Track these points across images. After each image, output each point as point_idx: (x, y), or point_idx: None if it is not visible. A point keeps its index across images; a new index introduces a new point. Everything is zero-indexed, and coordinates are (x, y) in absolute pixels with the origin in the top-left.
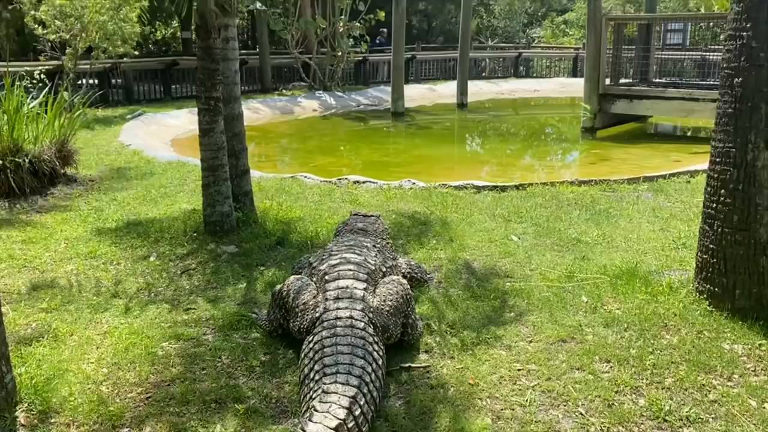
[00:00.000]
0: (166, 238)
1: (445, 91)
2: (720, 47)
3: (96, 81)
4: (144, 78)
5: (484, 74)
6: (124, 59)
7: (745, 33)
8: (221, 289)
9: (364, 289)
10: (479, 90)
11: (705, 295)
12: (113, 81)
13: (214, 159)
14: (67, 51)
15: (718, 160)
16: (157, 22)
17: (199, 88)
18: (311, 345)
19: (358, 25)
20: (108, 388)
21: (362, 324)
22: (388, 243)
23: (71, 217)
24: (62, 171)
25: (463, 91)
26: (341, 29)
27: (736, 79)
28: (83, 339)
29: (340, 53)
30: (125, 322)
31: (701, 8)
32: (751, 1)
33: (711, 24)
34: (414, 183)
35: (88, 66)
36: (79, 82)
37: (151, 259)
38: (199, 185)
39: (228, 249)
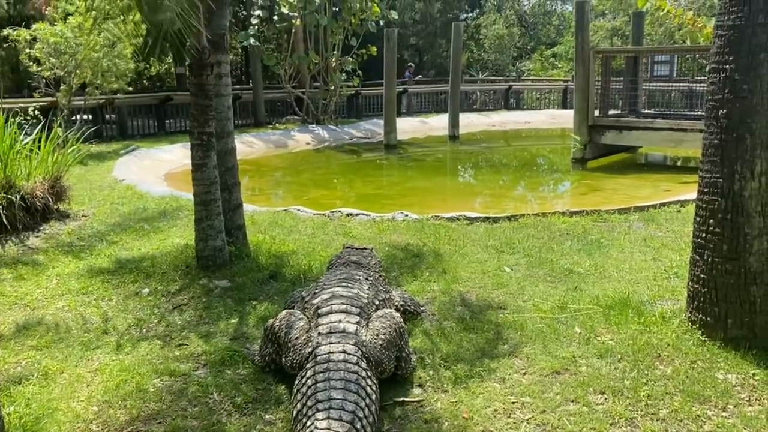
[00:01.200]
0: (158, 274)
1: (437, 123)
2: (706, 78)
3: (90, 117)
4: (138, 113)
5: (475, 107)
6: (118, 95)
7: (728, 66)
8: (213, 325)
9: (357, 323)
10: (471, 122)
11: (697, 325)
12: (107, 116)
13: (207, 193)
14: (61, 87)
15: (706, 190)
16: (152, 58)
17: (192, 123)
18: (304, 380)
19: (351, 59)
20: (98, 427)
21: (355, 359)
22: (381, 275)
23: (63, 253)
24: (55, 207)
25: (454, 123)
26: (334, 64)
27: (721, 111)
28: (73, 377)
29: (333, 87)
30: (116, 358)
31: (687, 40)
32: (733, 34)
33: (697, 56)
34: (407, 215)
35: (82, 102)
36: (73, 118)
37: (143, 294)
38: (192, 219)
39: (220, 283)
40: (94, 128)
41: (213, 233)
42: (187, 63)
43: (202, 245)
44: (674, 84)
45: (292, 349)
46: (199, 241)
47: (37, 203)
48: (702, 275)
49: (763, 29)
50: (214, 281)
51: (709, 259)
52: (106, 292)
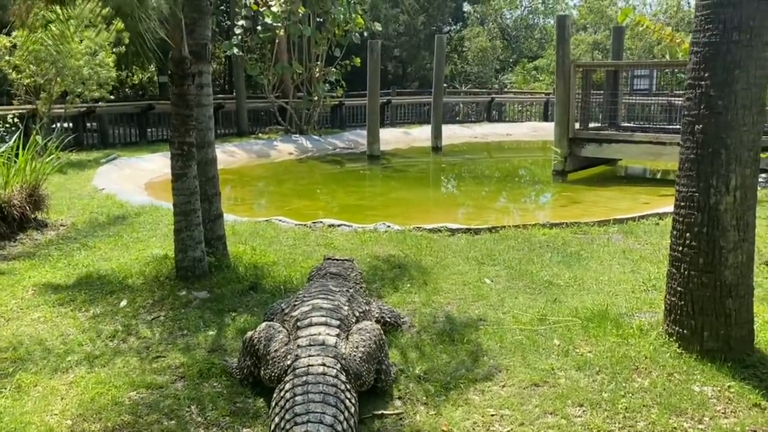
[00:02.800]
0: (137, 284)
1: (420, 134)
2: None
3: (70, 125)
4: (119, 122)
5: (458, 118)
6: (100, 103)
7: (703, 82)
8: (191, 336)
9: (337, 335)
10: (453, 134)
11: (674, 337)
12: (88, 125)
13: (187, 204)
14: (41, 95)
15: (682, 204)
16: (134, 66)
17: (172, 133)
18: (282, 393)
19: (334, 70)
20: None
21: (334, 372)
22: (361, 287)
23: (40, 263)
24: (33, 216)
25: (437, 134)
26: (317, 74)
27: (697, 126)
28: (47, 389)
29: (316, 98)
30: (92, 371)
31: (666, 55)
32: (708, 51)
33: (675, 70)
34: (389, 226)
35: (63, 110)
36: (53, 126)
37: (121, 305)
38: (171, 229)
39: (199, 295)
40: (75, 136)
41: (192, 244)
42: (168, 72)
43: (182, 256)
44: (653, 98)
45: (270, 361)
46: (179, 252)
47: (15, 212)
48: (679, 288)
49: (737, 46)
50: (193, 292)
51: (686, 273)
52: (83, 303)
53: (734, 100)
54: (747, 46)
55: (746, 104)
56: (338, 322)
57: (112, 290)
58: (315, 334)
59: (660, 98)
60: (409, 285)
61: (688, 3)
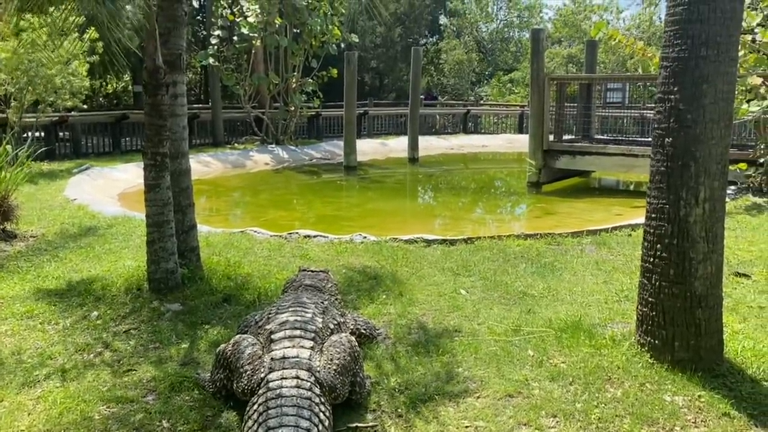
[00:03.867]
0: (108, 297)
1: (397, 145)
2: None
3: (42, 134)
4: (93, 131)
5: (434, 130)
6: (72, 113)
7: (673, 96)
8: (164, 350)
9: (311, 348)
10: (430, 145)
11: (646, 348)
12: (60, 134)
13: (160, 215)
14: (11, 104)
15: (653, 215)
16: (108, 76)
17: (146, 143)
18: (255, 407)
19: (311, 81)
20: None
21: (308, 384)
22: (336, 299)
23: (8, 275)
24: (1, 227)
25: (414, 146)
26: (294, 85)
27: (667, 139)
28: (14, 405)
29: (293, 108)
30: (61, 385)
31: (639, 68)
32: (677, 66)
33: (648, 84)
34: (365, 237)
35: (34, 119)
36: (25, 135)
37: (92, 318)
38: (144, 240)
39: (172, 307)
40: (47, 146)
41: (165, 255)
42: (143, 82)
43: (154, 267)
44: (626, 110)
45: (244, 375)
46: (151, 264)
47: None
48: (650, 299)
49: (705, 61)
50: (166, 304)
51: (657, 283)
52: (52, 316)
53: (703, 114)
54: (714, 61)
55: (714, 118)
56: (312, 335)
57: (82, 302)
58: (289, 347)
59: (633, 111)
60: (384, 296)
61: (660, 18)
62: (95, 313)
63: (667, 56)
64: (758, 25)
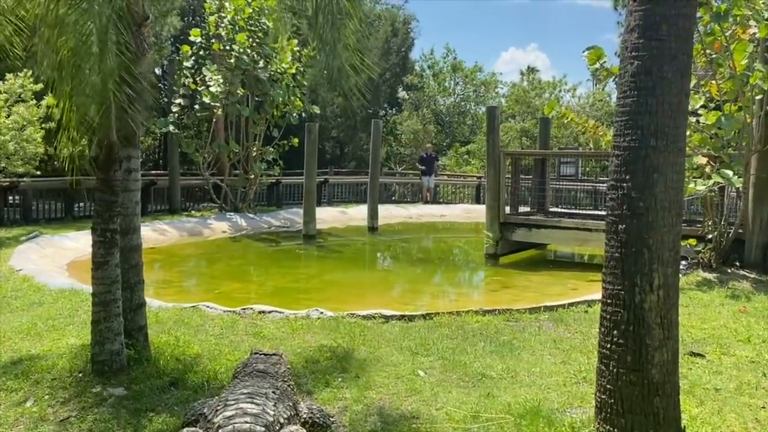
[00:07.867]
0: (47, 380)
1: (357, 214)
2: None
3: None
4: (45, 196)
5: (393, 198)
6: (24, 178)
7: (625, 184)
8: None
9: None
10: (389, 214)
11: None
12: (10, 199)
13: (107, 293)
14: None
15: (609, 301)
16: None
17: (95, 219)
18: None
19: (272, 149)
20: None
21: None
22: (290, 385)
23: None
24: None
25: (373, 214)
26: (254, 153)
27: (620, 226)
28: None
29: (252, 176)
30: None
31: (590, 143)
32: (629, 155)
33: (600, 159)
34: (322, 312)
35: None
36: None
37: (28, 405)
38: (90, 317)
39: (115, 392)
40: None
41: (111, 336)
42: (92, 157)
43: (99, 349)
44: (579, 183)
45: None
46: (96, 345)
47: None
48: (608, 386)
49: (654, 152)
50: (109, 389)
51: (615, 370)
52: None
53: (654, 202)
54: (664, 151)
55: (666, 206)
56: (263, 429)
57: (18, 387)
58: None
59: (585, 184)
60: (340, 379)
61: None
62: (31, 399)
63: (619, 145)
64: (701, 106)
